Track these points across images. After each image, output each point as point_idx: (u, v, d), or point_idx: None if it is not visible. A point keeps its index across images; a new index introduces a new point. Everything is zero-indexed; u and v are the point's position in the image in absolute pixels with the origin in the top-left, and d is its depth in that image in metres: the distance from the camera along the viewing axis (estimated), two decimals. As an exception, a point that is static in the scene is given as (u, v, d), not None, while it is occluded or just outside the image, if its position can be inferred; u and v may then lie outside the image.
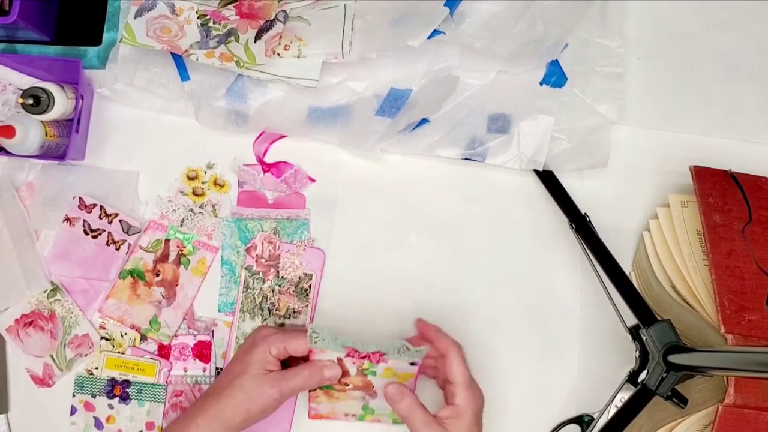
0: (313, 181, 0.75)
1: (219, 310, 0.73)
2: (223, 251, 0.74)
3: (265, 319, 0.72)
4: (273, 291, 0.72)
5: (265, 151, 0.75)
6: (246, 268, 0.73)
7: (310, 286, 0.73)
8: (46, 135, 0.70)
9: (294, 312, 0.72)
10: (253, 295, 0.72)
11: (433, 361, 0.65)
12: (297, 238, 0.73)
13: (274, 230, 0.72)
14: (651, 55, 0.79)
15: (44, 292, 0.72)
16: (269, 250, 0.72)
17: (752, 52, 0.79)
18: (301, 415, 0.71)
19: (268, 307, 0.72)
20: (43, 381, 0.72)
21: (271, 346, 0.63)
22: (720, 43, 0.79)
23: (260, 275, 0.73)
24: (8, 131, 0.67)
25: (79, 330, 0.72)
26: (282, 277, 0.73)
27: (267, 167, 0.75)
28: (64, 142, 0.72)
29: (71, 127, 0.71)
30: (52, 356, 0.72)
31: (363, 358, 0.61)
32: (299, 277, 0.73)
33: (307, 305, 0.73)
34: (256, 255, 0.73)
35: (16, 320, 0.72)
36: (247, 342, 0.66)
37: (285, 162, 0.75)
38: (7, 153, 0.70)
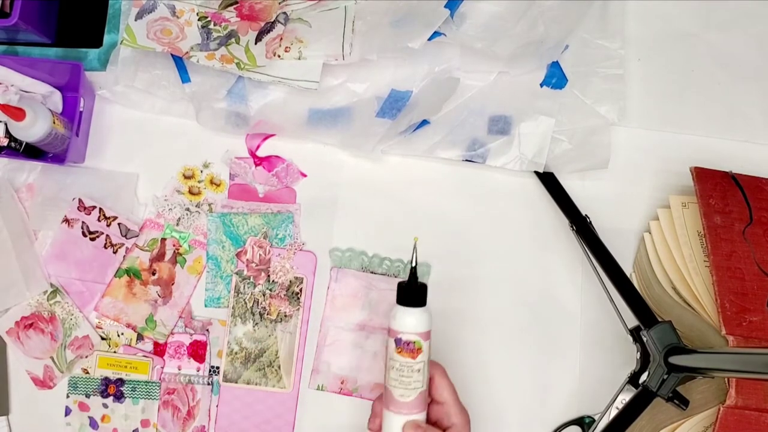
0: (305, 176, 0.75)
1: (205, 305, 0.73)
2: (209, 246, 0.74)
3: (256, 324, 0.72)
4: (264, 295, 0.72)
5: (258, 146, 0.75)
6: (237, 273, 0.73)
7: (301, 290, 0.73)
8: (54, 123, 0.69)
9: (285, 316, 0.72)
10: (244, 299, 0.72)
11: None
12: (282, 231, 0.73)
13: (264, 234, 0.71)
14: (651, 55, 0.78)
15: (44, 293, 0.72)
16: (260, 254, 0.72)
17: (752, 52, 0.79)
18: (302, 419, 0.71)
19: (260, 312, 0.72)
20: (43, 383, 0.72)
21: None
22: (720, 43, 0.79)
23: (251, 279, 0.72)
24: (19, 113, 0.66)
25: (79, 332, 0.72)
26: (273, 281, 0.73)
27: (259, 161, 0.75)
28: (69, 135, 0.72)
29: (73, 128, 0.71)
30: (52, 358, 0.72)
31: None
32: (290, 281, 0.73)
33: (298, 309, 0.72)
34: (247, 259, 0.72)
35: (16, 322, 0.72)
36: None
37: (277, 156, 0.75)
38: (8, 154, 0.70)
